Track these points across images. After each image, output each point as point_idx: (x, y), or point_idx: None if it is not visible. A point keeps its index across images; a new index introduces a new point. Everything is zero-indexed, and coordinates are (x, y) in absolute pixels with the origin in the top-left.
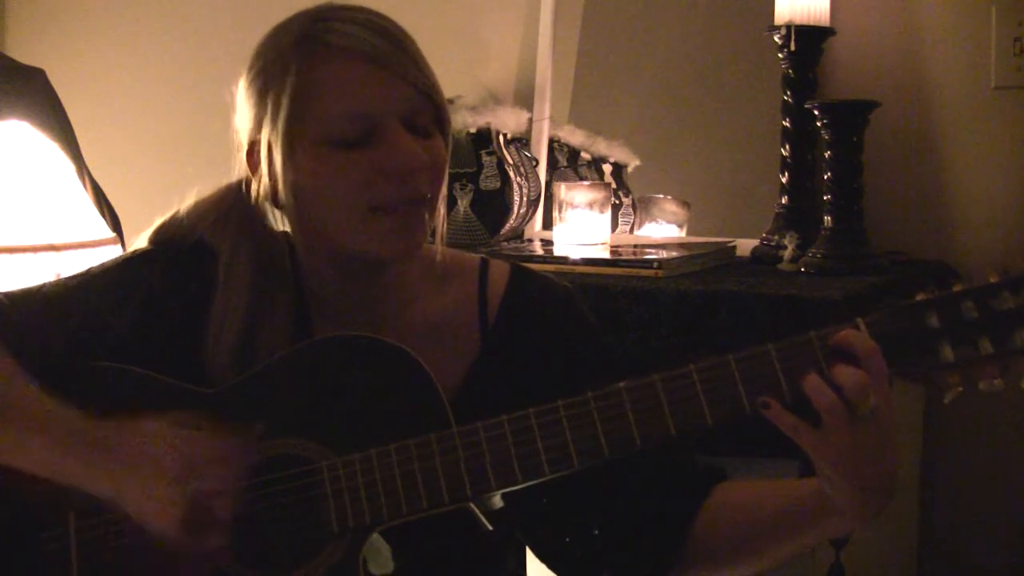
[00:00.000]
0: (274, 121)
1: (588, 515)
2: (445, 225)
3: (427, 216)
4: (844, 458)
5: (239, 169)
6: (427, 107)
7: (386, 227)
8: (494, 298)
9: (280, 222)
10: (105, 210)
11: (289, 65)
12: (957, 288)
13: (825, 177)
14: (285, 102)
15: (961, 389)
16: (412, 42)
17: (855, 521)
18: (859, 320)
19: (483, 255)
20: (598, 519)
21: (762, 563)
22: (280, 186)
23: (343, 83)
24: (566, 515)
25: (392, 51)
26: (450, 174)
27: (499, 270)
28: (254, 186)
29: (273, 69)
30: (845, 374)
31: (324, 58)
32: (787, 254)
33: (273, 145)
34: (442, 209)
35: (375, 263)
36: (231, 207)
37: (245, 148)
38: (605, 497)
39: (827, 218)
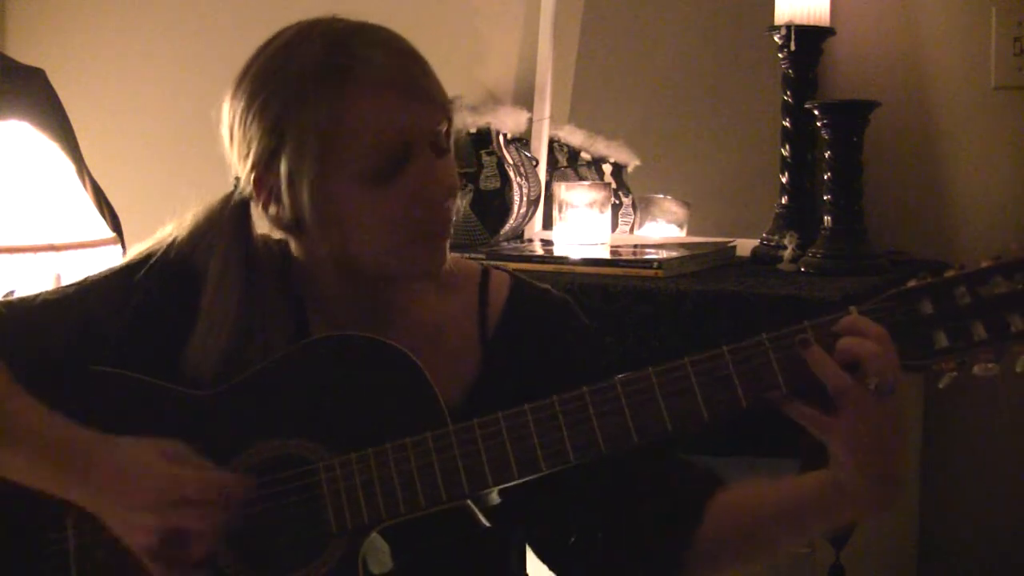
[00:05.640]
0: (299, 156)
1: (593, 517)
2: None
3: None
4: (863, 443)
5: (239, 189)
6: (447, 123)
7: (423, 252)
8: (494, 310)
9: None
10: (105, 210)
11: (312, 99)
12: (949, 274)
13: (825, 177)
14: (313, 138)
15: (956, 374)
16: (424, 58)
17: (867, 511)
18: (852, 309)
19: (483, 264)
20: (602, 521)
21: (764, 558)
22: (305, 216)
23: (377, 117)
24: (571, 516)
25: (419, 74)
26: None
27: (499, 281)
28: (270, 210)
29: (291, 101)
30: (857, 347)
31: (353, 93)
32: (787, 254)
33: (297, 179)
34: None
35: (403, 282)
36: (225, 223)
37: (252, 175)
38: (610, 499)
39: (827, 218)
